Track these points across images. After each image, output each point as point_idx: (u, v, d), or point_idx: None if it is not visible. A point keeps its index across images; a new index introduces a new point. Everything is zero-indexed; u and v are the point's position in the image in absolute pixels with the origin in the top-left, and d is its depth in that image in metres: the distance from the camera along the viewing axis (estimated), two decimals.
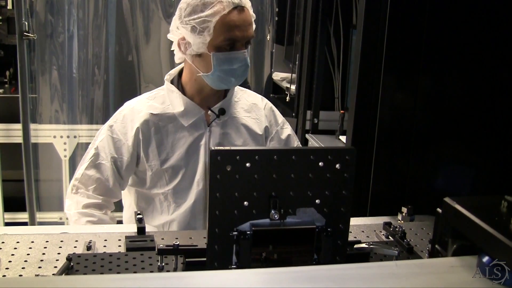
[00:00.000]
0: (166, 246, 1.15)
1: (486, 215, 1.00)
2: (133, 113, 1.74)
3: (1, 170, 3.44)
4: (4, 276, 1.14)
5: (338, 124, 2.70)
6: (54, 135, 3.55)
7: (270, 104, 1.93)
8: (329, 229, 1.09)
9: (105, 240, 1.34)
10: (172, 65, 1.83)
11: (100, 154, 1.72)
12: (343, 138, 2.62)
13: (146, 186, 1.74)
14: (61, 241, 1.32)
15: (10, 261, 1.20)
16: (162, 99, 1.77)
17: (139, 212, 1.38)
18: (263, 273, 1.01)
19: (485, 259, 0.96)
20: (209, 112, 1.76)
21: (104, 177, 1.71)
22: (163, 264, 1.16)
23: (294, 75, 3.02)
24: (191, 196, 1.72)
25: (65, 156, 3.55)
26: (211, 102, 1.77)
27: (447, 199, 1.09)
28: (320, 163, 1.06)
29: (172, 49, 1.74)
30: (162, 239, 1.33)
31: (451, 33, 1.67)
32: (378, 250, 1.23)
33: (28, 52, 3.28)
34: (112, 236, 1.36)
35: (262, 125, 1.85)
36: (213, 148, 1.02)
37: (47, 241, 1.31)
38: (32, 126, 3.39)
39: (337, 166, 1.07)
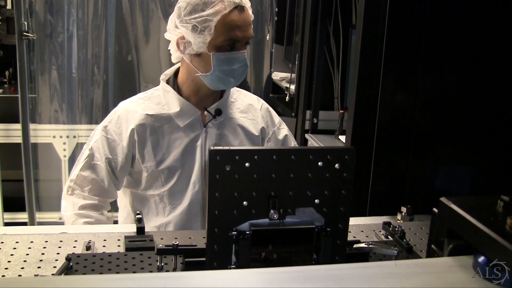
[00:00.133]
0: (166, 246, 1.15)
1: (482, 215, 1.00)
2: (128, 113, 1.72)
3: (0, 170, 3.44)
4: (3, 276, 1.14)
5: (338, 124, 2.70)
6: (53, 135, 3.55)
7: (266, 105, 1.93)
8: (328, 229, 1.09)
9: (105, 240, 1.34)
10: (172, 65, 1.82)
11: (95, 155, 1.70)
12: (342, 138, 2.62)
13: (141, 187, 1.73)
14: (61, 241, 1.32)
15: (9, 261, 1.20)
16: (158, 99, 1.75)
17: (138, 212, 1.38)
18: (262, 273, 1.01)
19: (481, 259, 0.96)
20: (205, 112, 1.75)
21: (99, 178, 1.70)
22: (162, 264, 1.17)
23: (293, 75, 3.02)
24: (186, 198, 1.71)
25: (64, 156, 3.55)
26: (207, 103, 1.76)
27: (443, 199, 1.09)
28: (319, 163, 1.06)
29: (168, 48, 1.73)
30: (162, 239, 1.33)
31: (451, 33, 1.67)
32: (378, 250, 1.23)
33: (28, 52, 3.28)
34: (111, 236, 1.36)
35: (258, 126, 1.84)
36: (212, 148, 1.02)
37: (46, 241, 1.31)
38: (32, 126, 3.39)
39: (337, 166, 1.07)
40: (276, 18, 3.66)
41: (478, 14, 1.67)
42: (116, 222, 1.87)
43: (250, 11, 1.66)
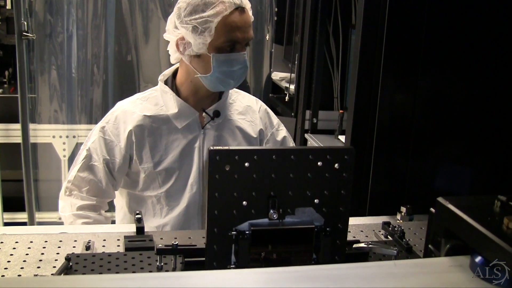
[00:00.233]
0: (165, 246, 1.15)
1: (479, 215, 1.00)
2: (126, 114, 1.71)
3: (0, 170, 3.44)
4: (3, 276, 1.14)
5: (337, 124, 2.70)
6: (53, 135, 3.55)
7: (264, 106, 1.92)
8: (328, 229, 1.09)
9: (104, 240, 1.34)
10: (171, 65, 1.82)
11: (92, 156, 1.70)
12: (342, 138, 2.62)
13: (138, 188, 1.72)
14: (60, 241, 1.32)
15: (9, 261, 1.20)
16: (155, 100, 1.74)
17: (138, 212, 1.38)
18: (262, 273, 1.01)
19: (478, 259, 0.96)
20: (204, 114, 1.74)
21: (97, 179, 1.69)
22: (162, 264, 1.16)
23: (293, 75, 3.03)
24: (184, 200, 1.70)
25: (64, 156, 3.55)
26: (206, 104, 1.75)
27: (440, 199, 1.08)
28: (319, 163, 1.06)
29: (167, 49, 1.72)
30: (161, 239, 1.33)
31: (450, 33, 1.67)
32: (377, 250, 1.23)
33: (27, 52, 3.28)
34: (111, 236, 1.36)
35: (256, 128, 1.83)
36: (211, 148, 1.02)
37: (46, 241, 1.30)
38: (31, 126, 3.40)
39: (336, 165, 1.07)
40: (275, 18, 3.67)
41: (477, 14, 1.67)
42: (114, 222, 1.87)
43: (250, 12, 1.65)
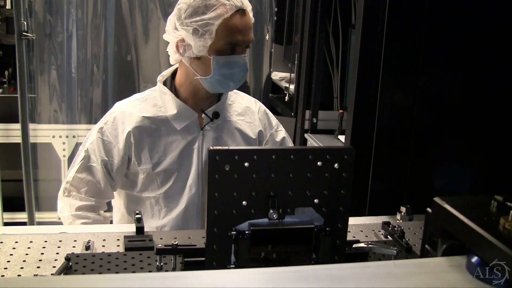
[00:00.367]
0: (165, 246, 1.15)
1: (475, 215, 0.99)
2: (124, 115, 1.71)
3: (0, 170, 3.44)
4: (2, 276, 1.14)
5: (337, 124, 2.70)
6: (53, 135, 3.55)
7: (263, 107, 1.92)
8: (327, 229, 1.09)
9: (104, 240, 1.34)
10: (171, 65, 1.81)
11: (91, 157, 1.69)
12: (342, 138, 2.62)
13: (137, 189, 1.71)
14: (60, 241, 1.32)
15: (8, 261, 1.20)
16: (154, 101, 1.74)
17: (137, 212, 1.38)
18: (261, 273, 1.01)
19: (474, 259, 0.96)
20: (203, 115, 1.74)
21: (95, 180, 1.69)
22: (161, 264, 1.17)
23: (293, 75, 3.03)
24: (183, 201, 1.70)
25: (64, 156, 3.55)
26: (205, 105, 1.74)
27: (436, 199, 1.08)
28: (318, 163, 1.06)
29: (167, 50, 1.71)
30: (161, 239, 1.33)
31: (450, 33, 1.67)
32: (377, 250, 1.23)
33: (27, 52, 3.28)
34: (110, 236, 1.36)
35: (256, 129, 1.83)
36: (211, 148, 1.02)
37: (45, 241, 1.30)
38: (31, 126, 3.40)
39: (336, 165, 1.07)
40: (275, 18, 3.67)
41: (477, 13, 1.67)
42: (112, 222, 1.87)
43: (251, 14, 1.64)
